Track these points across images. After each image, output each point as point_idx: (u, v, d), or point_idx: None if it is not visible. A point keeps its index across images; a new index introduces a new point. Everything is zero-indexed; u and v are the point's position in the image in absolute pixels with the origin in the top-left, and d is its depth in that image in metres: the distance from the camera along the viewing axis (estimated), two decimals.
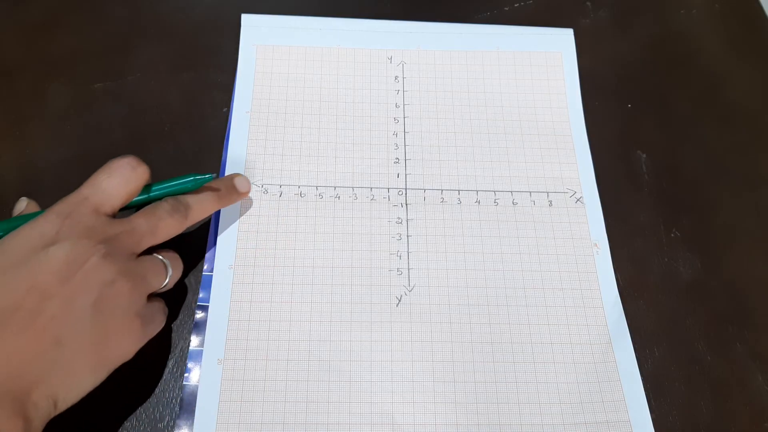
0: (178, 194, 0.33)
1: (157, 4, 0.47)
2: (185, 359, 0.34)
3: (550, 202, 0.40)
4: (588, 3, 0.49)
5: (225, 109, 0.42)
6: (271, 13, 0.45)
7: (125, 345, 0.29)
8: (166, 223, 0.31)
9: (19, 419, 0.25)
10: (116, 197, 0.30)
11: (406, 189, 0.40)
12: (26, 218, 0.29)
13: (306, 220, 0.39)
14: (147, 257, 0.31)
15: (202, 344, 0.35)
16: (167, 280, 0.32)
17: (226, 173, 0.39)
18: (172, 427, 0.33)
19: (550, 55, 0.46)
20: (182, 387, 0.34)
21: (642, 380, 0.35)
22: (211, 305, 0.36)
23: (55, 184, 0.39)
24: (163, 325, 0.32)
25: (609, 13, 0.49)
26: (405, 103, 0.43)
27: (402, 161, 0.41)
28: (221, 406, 0.33)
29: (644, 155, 0.43)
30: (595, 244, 0.39)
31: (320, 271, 0.37)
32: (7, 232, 0.29)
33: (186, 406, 0.33)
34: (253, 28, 0.45)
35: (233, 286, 0.36)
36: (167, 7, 0.47)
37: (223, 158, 0.40)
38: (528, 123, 0.43)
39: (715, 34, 0.48)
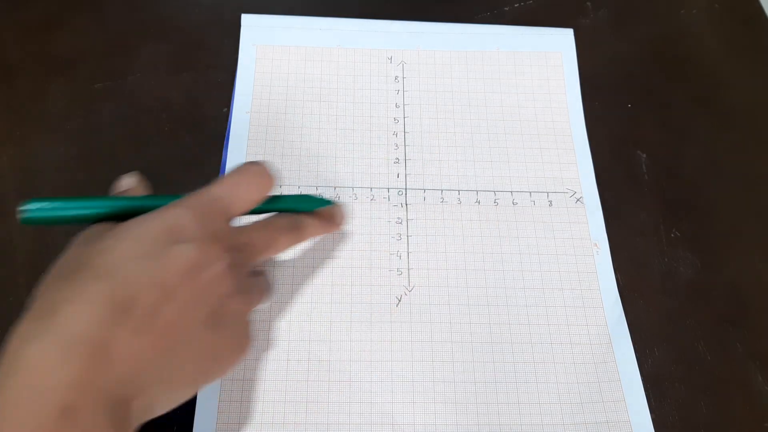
0: (292, 211, 0.32)
1: (157, 4, 0.47)
2: None
3: (550, 202, 0.40)
4: (588, 3, 0.49)
5: (225, 109, 0.42)
6: (271, 13, 0.45)
7: (226, 363, 0.27)
8: (282, 240, 0.30)
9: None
10: (246, 203, 0.28)
11: (406, 189, 0.40)
12: (140, 200, 0.28)
13: None
14: (257, 275, 0.29)
15: None
16: (267, 301, 0.31)
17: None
18: (173, 427, 0.33)
19: (550, 55, 0.46)
20: None
21: (642, 380, 0.35)
22: None
23: (55, 184, 0.39)
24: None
25: (609, 13, 0.49)
26: (405, 103, 0.43)
27: (402, 161, 0.41)
28: (221, 406, 0.33)
29: (644, 155, 0.43)
30: (595, 244, 0.39)
31: (320, 271, 0.37)
32: (114, 210, 0.27)
33: (186, 405, 0.33)
34: (253, 28, 0.45)
35: None
36: (167, 7, 0.47)
37: (223, 158, 0.40)
38: (528, 123, 0.43)
39: (715, 34, 0.48)
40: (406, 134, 0.42)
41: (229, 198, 0.27)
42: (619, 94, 0.45)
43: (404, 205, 0.40)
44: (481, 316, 0.37)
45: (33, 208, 0.26)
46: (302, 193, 0.34)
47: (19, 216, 0.26)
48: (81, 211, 0.27)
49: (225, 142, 0.41)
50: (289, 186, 0.39)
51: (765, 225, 0.41)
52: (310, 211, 0.32)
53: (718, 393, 0.36)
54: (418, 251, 0.38)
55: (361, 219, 0.39)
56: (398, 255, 0.38)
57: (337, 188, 0.40)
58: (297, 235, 0.31)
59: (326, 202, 0.33)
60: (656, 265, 0.39)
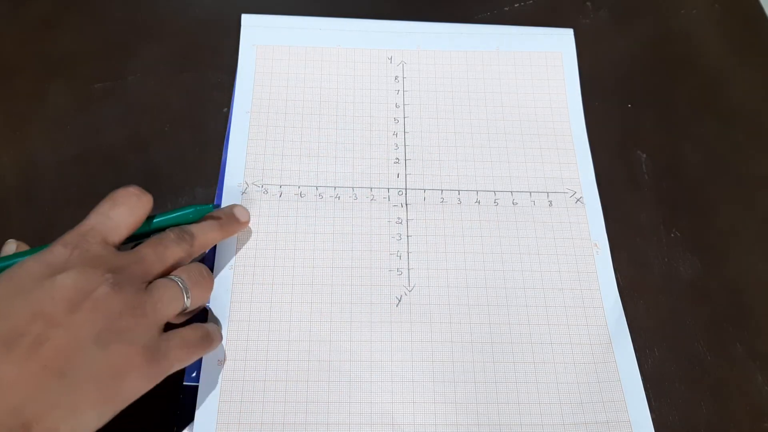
0: (180, 224, 0.32)
1: (157, 4, 0.47)
2: None
3: (550, 202, 0.40)
4: (588, 3, 0.49)
5: (225, 109, 0.42)
6: (271, 13, 0.45)
7: (134, 382, 0.27)
8: (173, 251, 0.30)
9: None
10: (123, 226, 0.29)
11: (406, 189, 0.40)
12: (23, 255, 0.28)
13: (306, 220, 0.39)
14: (159, 282, 0.29)
15: None
16: (186, 303, 0.30)
17: (226, 174, 0.39)
18: (173, 428, 0.33)
19: (550, 55, 0.46)
20: (182, 387, 0.34)
21: (642, 380, 0.35)
22: (211, 305, 0.36)
23: (55, 184, 0.39)
24: (183, 361, 0.30)
25: (609, 13, 0.49)
26: (405, 103, 0.43)
27: (402, 161, 0.41)
28: (221, 406, 0.33)
29: (644, 155, 0.43)
30: (595, 244, 0.39)
31: (320, 271, 0.37)
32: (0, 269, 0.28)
33: (186, 406, 0.33)
34: (253, 28, 0.45)
35: (233, 286, 0.36)
36: (167, 7, 0.47)
37: (223, 158, 0.40)
38: (528, 123, 0.43)
39: (715, 34, 0.48)
40: (406, 134, 0.42)
41: (103, 225, 0.29)
42: (619, 94, 0.45)
43: (404, 205, 0.40)
44: (481, 316, 0.37)
45: None
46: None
47: None
48: None
49: (225, 142, 0.41)
50: (289, 185, 0.39)
51: (765, 225, 0.41)
52: (197, 220, 0.33)
53: (718, 393, 0.36)
54: (418, 251, 0.38)
55: (361, 219, 0.39)
56: (398, 255, 0.38)
57: (337, 188, 0.40)
58: (188, 244, 0.31)
59: (209, 208, 0.34)
60: (656, 265, 0.39)
